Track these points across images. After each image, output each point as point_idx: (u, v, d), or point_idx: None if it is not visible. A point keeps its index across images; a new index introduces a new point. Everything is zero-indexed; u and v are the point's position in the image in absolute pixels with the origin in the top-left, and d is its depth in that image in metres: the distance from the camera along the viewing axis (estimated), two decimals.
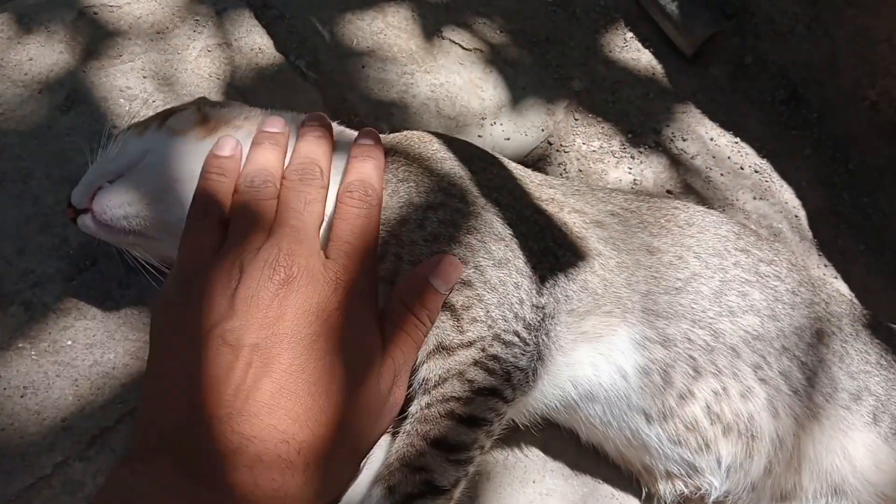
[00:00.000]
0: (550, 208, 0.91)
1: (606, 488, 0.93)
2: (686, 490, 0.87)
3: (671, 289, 0.86)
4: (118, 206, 0.84)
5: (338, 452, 0.70)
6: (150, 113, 1.05)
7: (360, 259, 0.79)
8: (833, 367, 0.87)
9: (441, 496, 0.73)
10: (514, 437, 0.90)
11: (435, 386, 0.76)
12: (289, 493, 0.65)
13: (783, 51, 1.29)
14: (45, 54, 1.10)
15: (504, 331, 0.78)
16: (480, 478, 0.89)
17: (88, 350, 0.89)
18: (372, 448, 0.76)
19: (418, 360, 0.78)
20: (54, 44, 1.12)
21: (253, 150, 0.86)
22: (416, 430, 0.75)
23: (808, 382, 0.86)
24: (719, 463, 0.84)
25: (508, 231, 0.84)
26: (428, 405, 0.76)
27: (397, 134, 0.96)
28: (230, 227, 0.80)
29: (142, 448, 0.68)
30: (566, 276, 0.85)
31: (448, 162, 0.89)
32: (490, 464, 0.91)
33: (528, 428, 0.88)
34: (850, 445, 0.86)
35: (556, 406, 0.84)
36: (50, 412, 0.85)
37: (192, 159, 0.86)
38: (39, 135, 1.04)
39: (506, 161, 0.97)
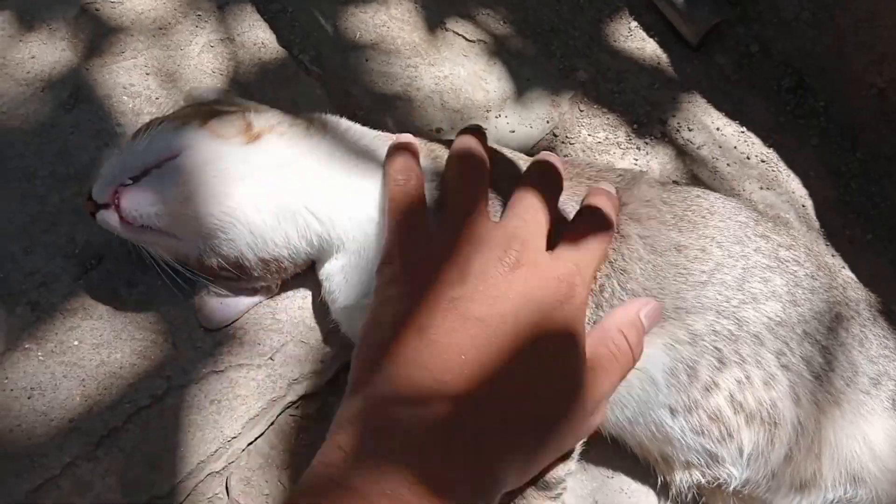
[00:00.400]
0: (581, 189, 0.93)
1: (616, 482, 0.93)
2: (703, 479, 0.86)
3: (697, 283, 0.86)
4: (151, 203, 0.82)
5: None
6: (155, 110, 1.05)
7: (585, 273, 0.80)
8: (853, 350, 0.87)
9: None
10: None
11: None
12: None
13: (788, 39, 1.28)
14: (47, 52, 1.10)
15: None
16: None
17: (95, 350, 0.89)
18: (539, 470, 0.77)
19: None
20: (56, 41, 1.11)
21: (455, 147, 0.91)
22: None
23: (829, 367, 0.85)
24: (741, 452, 0.84)
25: None
26: None
27: None
28: (448, 203, 0.83)
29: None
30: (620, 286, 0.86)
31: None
32: None
33: None
34: (869, 431, 0.85)
35: None
36: (57, 413, 0.86)
37: (233, 163, 0.85)
38: (43, 133, 1.03)
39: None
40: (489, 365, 0.69)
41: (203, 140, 0.86)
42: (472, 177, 0.85)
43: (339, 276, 0.90)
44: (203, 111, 0.92)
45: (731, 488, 0.86)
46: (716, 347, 0.83)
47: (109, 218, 0.84)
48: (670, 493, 0.90)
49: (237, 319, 0.95)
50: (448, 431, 0.66)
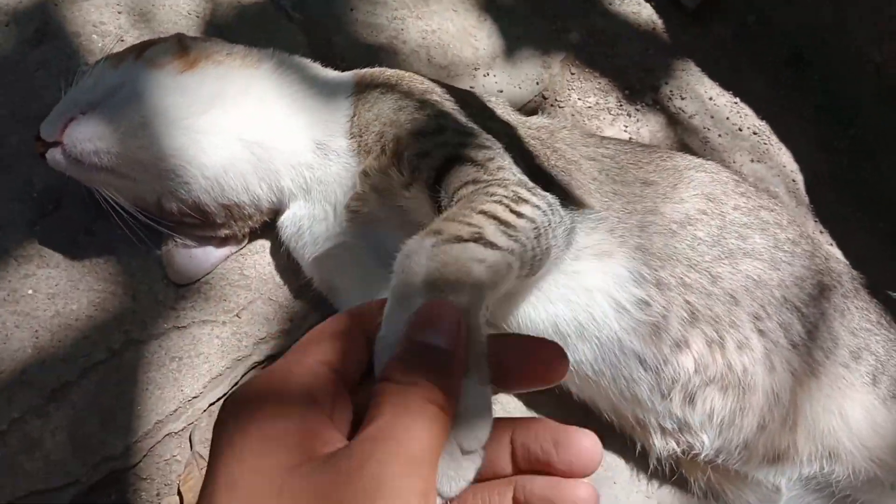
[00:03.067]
0: (541, 135, 0.88)
1: None
2: (678, 448, 0.84)
3: (666, 230, 0.82)
4: (89, 139, 0.79)
5: None
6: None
7: None
8: (834, 322, 0.84)
9: (492, 248, 0.60)
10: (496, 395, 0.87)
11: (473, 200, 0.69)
12: None
13: (788, 11, 1.24)
14: None
15: (525, 185, 0.73)
16: None
17: (50, 300, 0.85)
18: None
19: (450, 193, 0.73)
20: None
21: None
22: (462, 205, 0.67)
23: (808, 336, 0.82)
24: (710, 417, 0.81)
25: (503, 143, 0.80)
26: (472, 194, 0.70)
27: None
28: None
29: None
30: (563, 193, 0.80)
31: (438, 85, 0.89)
32: None
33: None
34: (847, 406, 0.82)
35: (547, 332, 0.80)
36: (7, 365, 0.82)
37: (171, 93, 0.82)
38: (6, 70, 0.98)
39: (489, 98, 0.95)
40: None
41: (139, 72, 0.83)
42: None
43: (299, 226, 0.87)
44: (138, 45, 0.89)
45: (703, 457, 0.84)
46: (685, 300, 0.80)
47: (58, 156, 0.80)
48: (650, 464, 0.88)
49: (208, 273, 0.91)
50: None
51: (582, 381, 0.84)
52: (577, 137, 0.91)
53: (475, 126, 0.81)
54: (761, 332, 0.81)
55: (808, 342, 0.82)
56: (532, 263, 0.68)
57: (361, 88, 0.87)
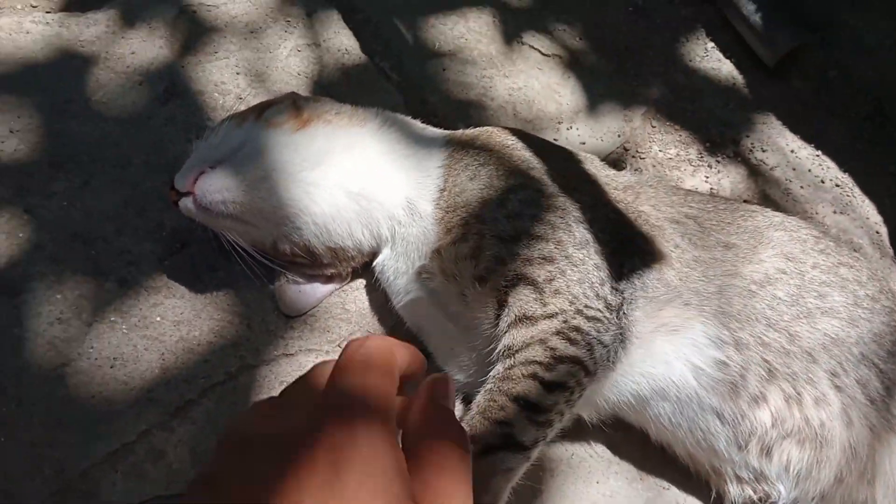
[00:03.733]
0: (626, 197, 0.92)
1: (671, 494, 0.93)
2: (754, 495, 0.86)
3: (746, 291, 0.86)
4: (217, 190, 0.88)
5: None
6: (244, 108, 1.10)
7: None
8: None
9: (521, 452, 0.72)
10: (581, 433, 0.91)
11: (518, 351, 0.78)
12: None
13: (869, 66, 1.27)
14: (146, 49, 1.17)
15: (586, 306, 0.79)
16: (544, 474, 0.90)
17: (176, 326, 0.94)
18: None
19: (499, 330, 0.80)
20: (155, 39, 1.18)
21: None
22: (499, 387, 0.76)
23: (887, 392, 0.83)
24: (787, 469, 0.83)
25: (587, 215, 0.85)
26: (511, 367, 0.77)
27: (474, 129, 0.99)
28: None
29: None
30: (643, 263, 0.85)
31: (524, 151, 0.93)
32: (555, 461, 0.92)
33: (597, 425, 0.89)
34: None
35: (628, 401, 0.85)
36: (137, 383, 0.90)
37: (286, 150, 0.90)
38: (139, 124, 1.10)
39: (579, 153, 0.99)
40: None
41: (259, 130, 0.92)
42: None
43: (387, 273, 0.94)
44: (258, 105, 0.99)
45: None
46: (764, 359, 0.83)
47: (189, 205, 0.89)
48: None
49: (315, 307, 0.99)
50: None
51: (658, 429, 0.88)
52: (661, 196, 0.94)
53: (555, 217, 0.85)
54: (838, 388, 0.83)
55: (887, 398, 0.84)
56: (596, 370, 0.78)
57: (453, 155, 0.94)
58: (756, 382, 0.82)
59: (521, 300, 0.80)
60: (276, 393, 0.91)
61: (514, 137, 0.96)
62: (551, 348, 0.77)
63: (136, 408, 0.89)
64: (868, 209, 1.19)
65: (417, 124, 1.01)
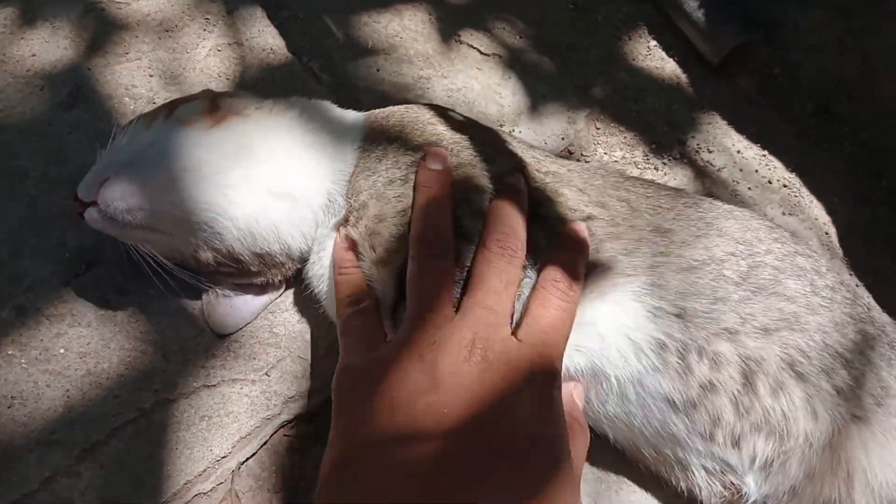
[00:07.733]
0: (545, 178, 0.87)
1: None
2: (724, 491, 0.80)
3: (685, 267, 0.80)
4: (121, 197, 0.79)
5: None
6: None
7: (555, 351, 0.75)
8: (881, 371, 0.80)
9: None
10: None
11: None
12: None
13: (814, 63, 1.24)
14: (48, 50, 1.06)
15: None
16: None
17: (81, 359, 0.85)
18: None
19: None
20: (59, 39, 1.08)
21: (421, 193, 0.81)
22: None
23: (856, 383, 0.79)
24: (752, 461, 0.78)
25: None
26: None
27: (393, 107, 0.94)
28: (412, 291, 0.76)
29: None
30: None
31: (439, 126, 0.89)
32: None
33: None
34: None
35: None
36: (38, 424, 0.81)
37: (199, 149, 0.82)
38: (39, 132, 1.00)
39: (508, 135, 0.95)
40: (469, 475, 0.65)
41: (169, 129, 0.84)
42: (434, 269, 0.77)
43: (316, 275, 0.87)
44: (169, 103, 0.91)
45: (751, 502, 0.80)
46: (712, 341, 0.77)
47: (95, 215, 0.81)
48: None
49: (250, 322, 0.91)
50: None
51: (613, 424, 0.82)
52: (594, 181, 0.90)
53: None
54: (800, 376, 0.78)
55: (856, 388, 0.79)
56: None
57: (368, 137, 0.89)
58: (703, 367, 0.77)
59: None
60: (196, 429, 0.83)
61: (430, 112, 0.90)
62: None
63: (37, 452, 0.79)
64: (816, 210, 1.16)
65: (337, 109, 0.94)
